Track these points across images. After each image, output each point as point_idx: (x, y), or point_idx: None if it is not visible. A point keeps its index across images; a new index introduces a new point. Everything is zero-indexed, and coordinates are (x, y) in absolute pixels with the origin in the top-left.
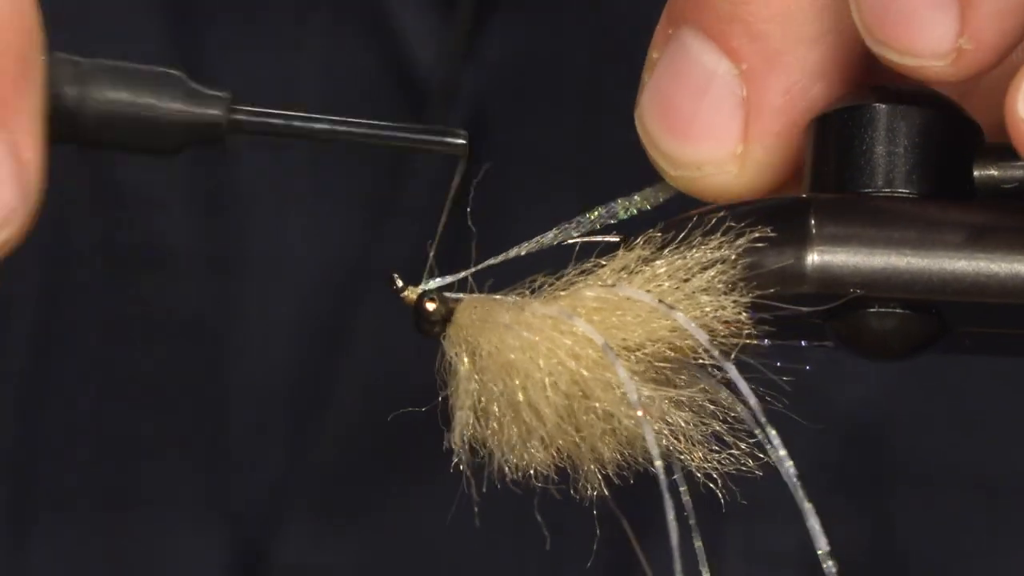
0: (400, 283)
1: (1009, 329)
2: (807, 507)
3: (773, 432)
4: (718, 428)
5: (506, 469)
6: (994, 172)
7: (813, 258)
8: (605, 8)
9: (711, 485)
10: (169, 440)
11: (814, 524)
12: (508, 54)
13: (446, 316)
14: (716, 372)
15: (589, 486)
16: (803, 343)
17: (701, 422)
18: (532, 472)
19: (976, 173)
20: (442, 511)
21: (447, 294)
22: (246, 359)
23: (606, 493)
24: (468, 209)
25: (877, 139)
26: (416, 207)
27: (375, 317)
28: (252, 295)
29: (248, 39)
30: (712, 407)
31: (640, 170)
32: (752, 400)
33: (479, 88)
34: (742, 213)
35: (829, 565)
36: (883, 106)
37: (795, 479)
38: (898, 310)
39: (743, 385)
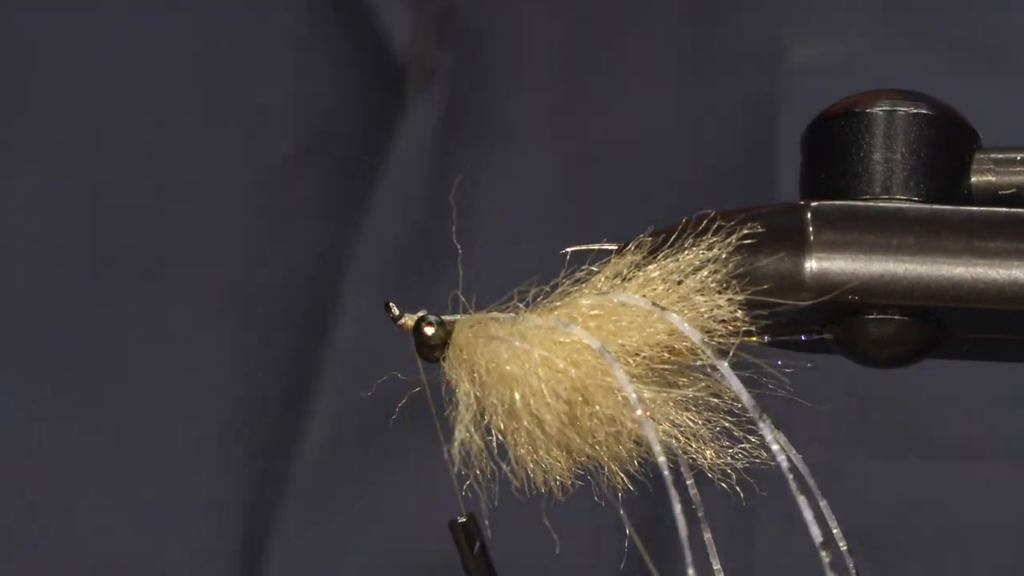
0: (396, 310)
1: (1008, 335)
2: (801, 500)
3: (766, 427)
4: (723, 424)
5: (511, 476)
6: (991, 178)
7: (811, 265)
8: None
9: (721, 480)
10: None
11: (808, 516)
12: (482, 28)
13: (444, 338)
14: (714, 371)
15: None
16: (803, 338)
17: (705, 420)
18: (542, 478)
19: (973, 179)
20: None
21: (443, 316)
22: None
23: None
24: (454, 227)
25: (875, 145)
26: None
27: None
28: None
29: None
30: (715, 405)
31: (617, 143)
32: (745, 397)
33: (456, 65)
34: (734, 216)
35: (823, 555)
36: (881, 112)
37: (789, 472)
38: (896, 316)
39: (735, 382)
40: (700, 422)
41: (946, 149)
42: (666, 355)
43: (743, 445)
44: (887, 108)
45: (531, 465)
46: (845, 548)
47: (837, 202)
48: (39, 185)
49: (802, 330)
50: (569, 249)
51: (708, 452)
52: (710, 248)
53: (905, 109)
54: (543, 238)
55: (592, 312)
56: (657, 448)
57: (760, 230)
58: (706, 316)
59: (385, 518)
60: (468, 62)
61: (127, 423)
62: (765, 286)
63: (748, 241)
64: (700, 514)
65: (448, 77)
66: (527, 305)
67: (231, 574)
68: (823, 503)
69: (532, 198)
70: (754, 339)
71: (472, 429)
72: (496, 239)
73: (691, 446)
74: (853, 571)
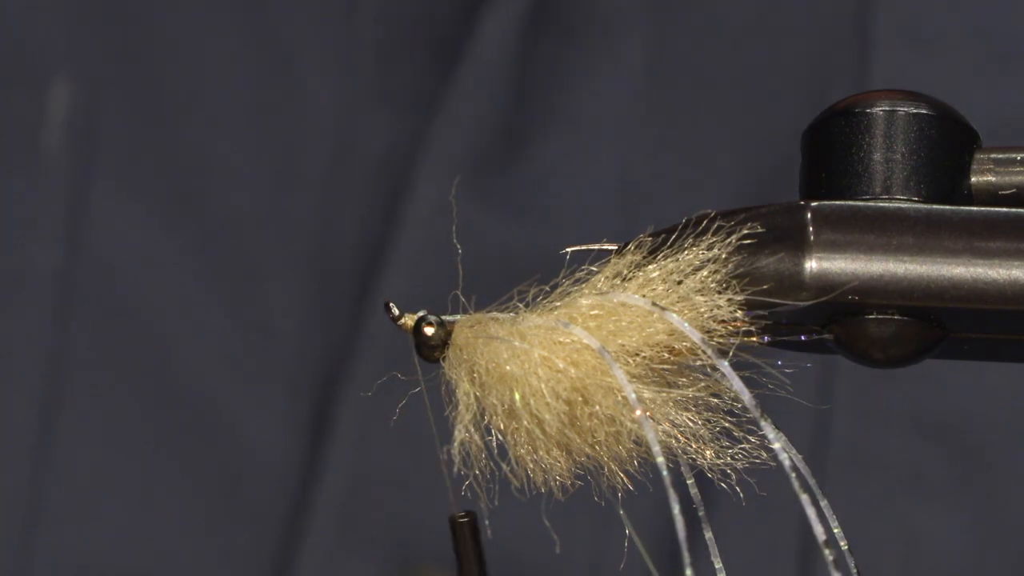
0: (396, 311)
1: (1008, 334)
2: (804, 498)
3: (768, 426)
4: (724, 424)
5: (511, 477)
6: (991, 178)
7: (811, 265)
8: None
9: (721, 480)
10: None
11: (811, 512)
12: None
13: (444, 339)
14: (714, 371)
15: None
16: (803, 338)
17: (706, 420)
18: (542, 478)
19: (973, 179)
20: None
21: (444, 316)
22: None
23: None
24: (453, 226)
25: (875, 145)
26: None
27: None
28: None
29: None
30: (715, 405)
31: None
32: (747, 396)
33: None
34: (734, 216)
35: (827, 553)
36: (881, 112)
37: (792, 470)
38: (896, 316)
39: (737, 382)
40: (700, 422)
41: (946, 149)
42: (666, 355)
43: (743, 445)
44: (887, 108)
45: (531, 465)
46: (846, 547)
47: (837, 202)
48: None
49: (802, 330)
50: (569, 249)
51: (708, 452)
52: (710, 248)
53: (905, 109)
54: (624, 139)
55: (592, 312)
56: (656, 448)
57: (760, 230)
58: (706, 316)
59: None
60: None
61: (228, 283)
62: (765, 286)
63: (748, 241)
64: (700, 513)
65: None
66: (527, 305)
67: (302, 426)
68: (823, 503)
69: (616, 97)
70: (754, 339)
71: (472, 429)
72: (576, 139)
73: (691, 446)
74: (854, 570)
